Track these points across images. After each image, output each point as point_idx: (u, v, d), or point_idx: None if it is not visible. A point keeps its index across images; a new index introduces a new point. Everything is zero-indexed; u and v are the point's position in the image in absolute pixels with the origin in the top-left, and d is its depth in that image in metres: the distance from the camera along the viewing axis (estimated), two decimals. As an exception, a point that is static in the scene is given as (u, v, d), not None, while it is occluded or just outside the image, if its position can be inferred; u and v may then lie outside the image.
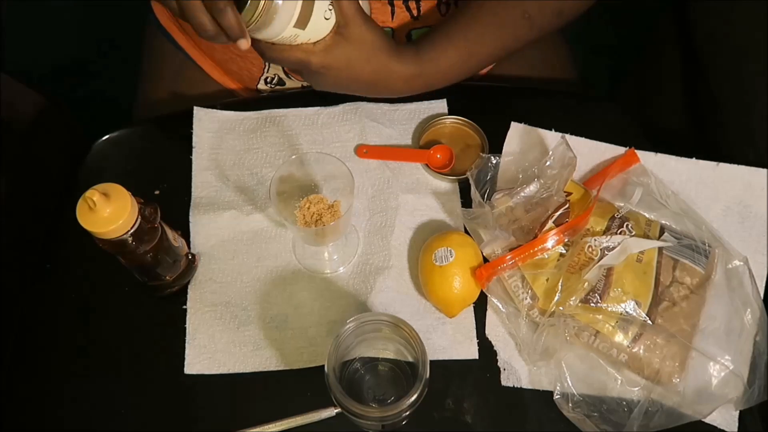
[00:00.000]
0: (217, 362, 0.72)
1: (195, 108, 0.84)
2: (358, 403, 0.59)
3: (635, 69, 1.16)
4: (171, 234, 0.69)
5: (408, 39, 0.85)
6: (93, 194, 0.59)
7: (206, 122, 0.84)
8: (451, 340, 0.74)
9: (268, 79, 0.91)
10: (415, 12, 0.80)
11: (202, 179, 0.81)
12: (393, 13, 0.80)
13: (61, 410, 0.71)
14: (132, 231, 0.62)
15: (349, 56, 0.69)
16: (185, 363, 0.72)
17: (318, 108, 0.85)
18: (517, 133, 0.81)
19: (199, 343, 0.73)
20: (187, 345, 0.73)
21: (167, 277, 0.72)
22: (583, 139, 0.81)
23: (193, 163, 0.82)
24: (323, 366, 0.61)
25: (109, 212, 0.60)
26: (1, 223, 0.83)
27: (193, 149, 0.83)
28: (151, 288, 0.73)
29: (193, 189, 0.81)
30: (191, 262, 0.75)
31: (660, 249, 0.71)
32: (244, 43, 0.62)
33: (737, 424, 0.70)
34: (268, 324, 0.74)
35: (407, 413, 0.62)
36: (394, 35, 0.84)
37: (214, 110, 0.85)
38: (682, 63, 0.95)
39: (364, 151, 0.80)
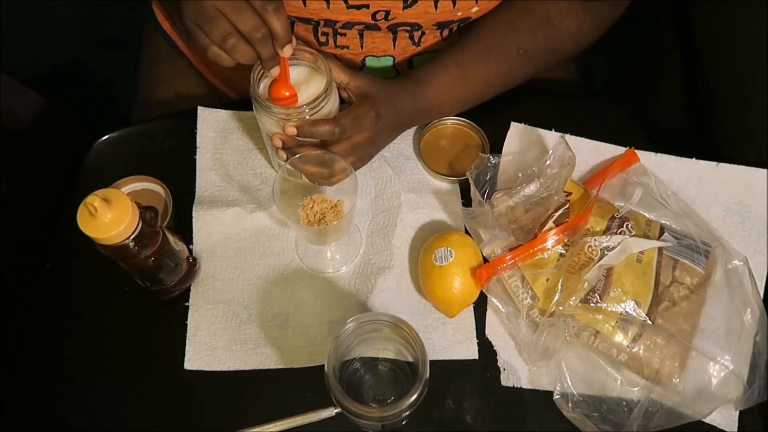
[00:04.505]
0: (218, 359, 0.72)
1: (199, 108, 0.84)
2: (357, 403, 0.59)
3: (635, 69, 1.16)
4: (171, 238, 0.69)
5: (410, 66, 0.86)
6: (94, 200, 0.58)
7: (210, 122, 0.84)
8: (451, 340, 0.74)
9: None
10: (417, 38, 0.81)
11: (206, 179, 0.81)
12: (395, 41, 0.80)
13: (62, 410, 0.71)
14: (134, 236, 0.62)
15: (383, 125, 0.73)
16: (185, 359, 0.72)
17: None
18: (516, 133, 0.81)
19: (200, 340, 0.73)
20: (187, 342, 0.73)
21: (169, 282, 0.72)
22: (583, 139, 0.81)
23: (197, 164, 0.82)
24: (323, 366, 0.61)
25: (110, 218, 0.60)
26: (1, 223, 0.83)
27: (197, 149, 0.83)
28: (152, 293, 0.73)
29: (196, 189, 0.80)
30: (192, 266, 0.75)
31: (660, 249, 0.71)
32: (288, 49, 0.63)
33: (737, 424, 0.70)
34: (269, 322, 0.74)
35: (407, 413, 0.62)
36: (396, 63, 0.85)
37: (218, 110, 0.84)
38: (682, 63, 0.95)
39: None
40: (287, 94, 0.67)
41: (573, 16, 0.78)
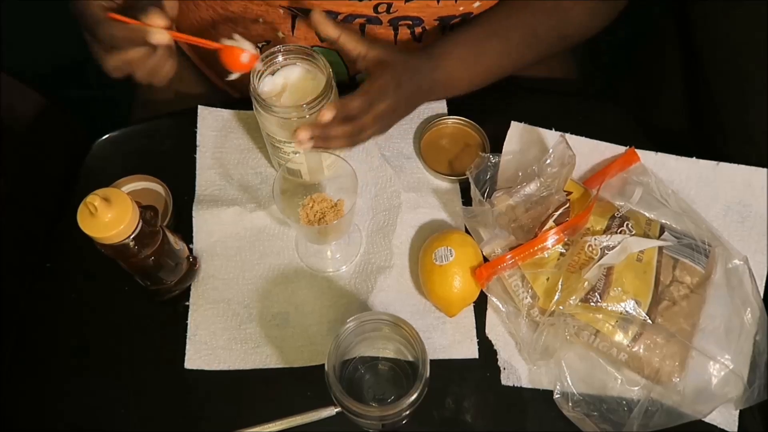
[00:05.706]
0: (218, 359, 0.72)
1: (199, 107, 0.84)
2: (358, 402, 0.59)
3: (635, 69, 1.16)
4: (172, 237, 0.69)
5: None
6: (94, 199, 0.58)
7: (210, 121, 0.84)
8: (451, 340, 0.74)
9: None
10: (417, 34, 0.80)
11: (206, 178, 0.81)
12: (396, 36, 0.80)
13: (62, 410, 0.71)
14: (134, 235, 0.62)
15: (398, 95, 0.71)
16: (185, 358, 0.72)
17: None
18: (517, 132, 0.81)
19: (200, 340, 0.73)
20: (188, 341, 0.73)
21: (169, 281, 0.72)
22: (583, 139, 0.81)
23: (197, 162, 0.82)
24: (323, 365, 0.61)
25: (110, 217, 0.60)
26: (1, 223, 0.83)
27: (197, 148, 0.83)
28: (152, 292, 0.73)
29: (196, 188, 0.81)
30: (192, 265, 0.75)
31: (660, 248, 0.71)
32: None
33: (737, 424, 0.70)
34: (269, 322, 0.74)
35: (407, 412, 0.62)
36: None
37: (218, 109, 0.85)
38: (682, 63, 0.96)
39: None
40: (244, 58, 0.63)
41: (584, 2, 0.78)
